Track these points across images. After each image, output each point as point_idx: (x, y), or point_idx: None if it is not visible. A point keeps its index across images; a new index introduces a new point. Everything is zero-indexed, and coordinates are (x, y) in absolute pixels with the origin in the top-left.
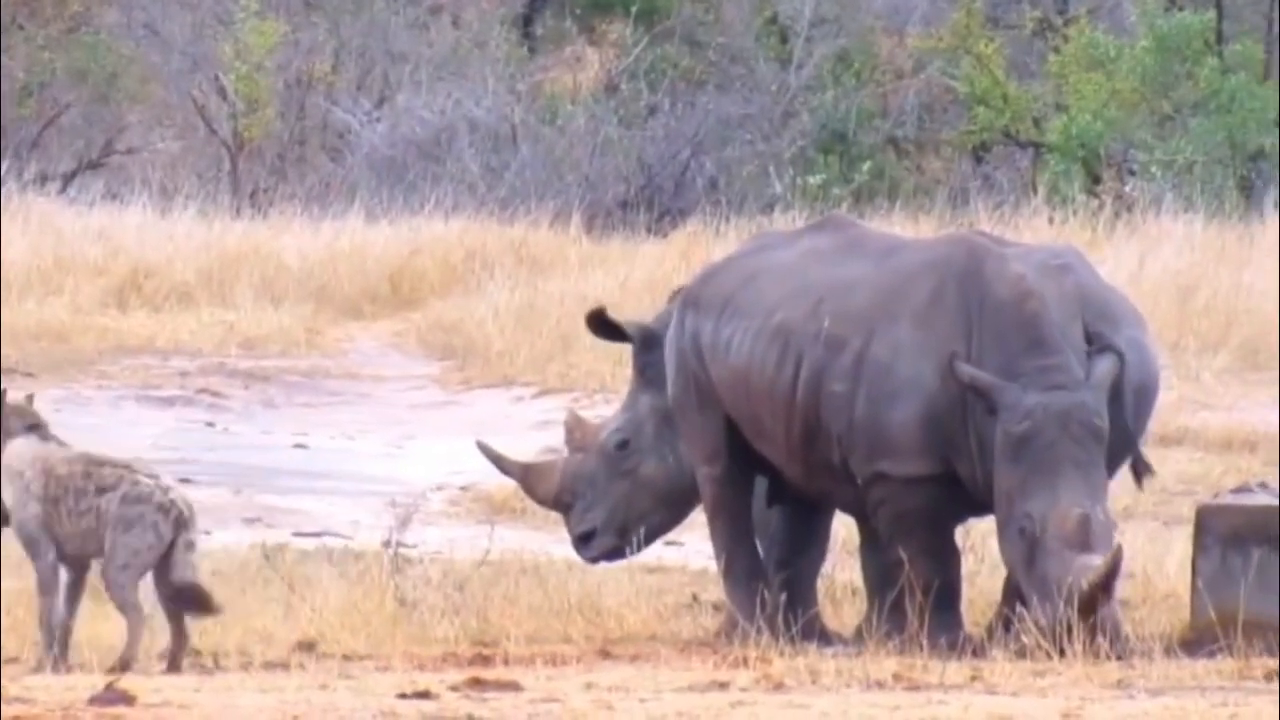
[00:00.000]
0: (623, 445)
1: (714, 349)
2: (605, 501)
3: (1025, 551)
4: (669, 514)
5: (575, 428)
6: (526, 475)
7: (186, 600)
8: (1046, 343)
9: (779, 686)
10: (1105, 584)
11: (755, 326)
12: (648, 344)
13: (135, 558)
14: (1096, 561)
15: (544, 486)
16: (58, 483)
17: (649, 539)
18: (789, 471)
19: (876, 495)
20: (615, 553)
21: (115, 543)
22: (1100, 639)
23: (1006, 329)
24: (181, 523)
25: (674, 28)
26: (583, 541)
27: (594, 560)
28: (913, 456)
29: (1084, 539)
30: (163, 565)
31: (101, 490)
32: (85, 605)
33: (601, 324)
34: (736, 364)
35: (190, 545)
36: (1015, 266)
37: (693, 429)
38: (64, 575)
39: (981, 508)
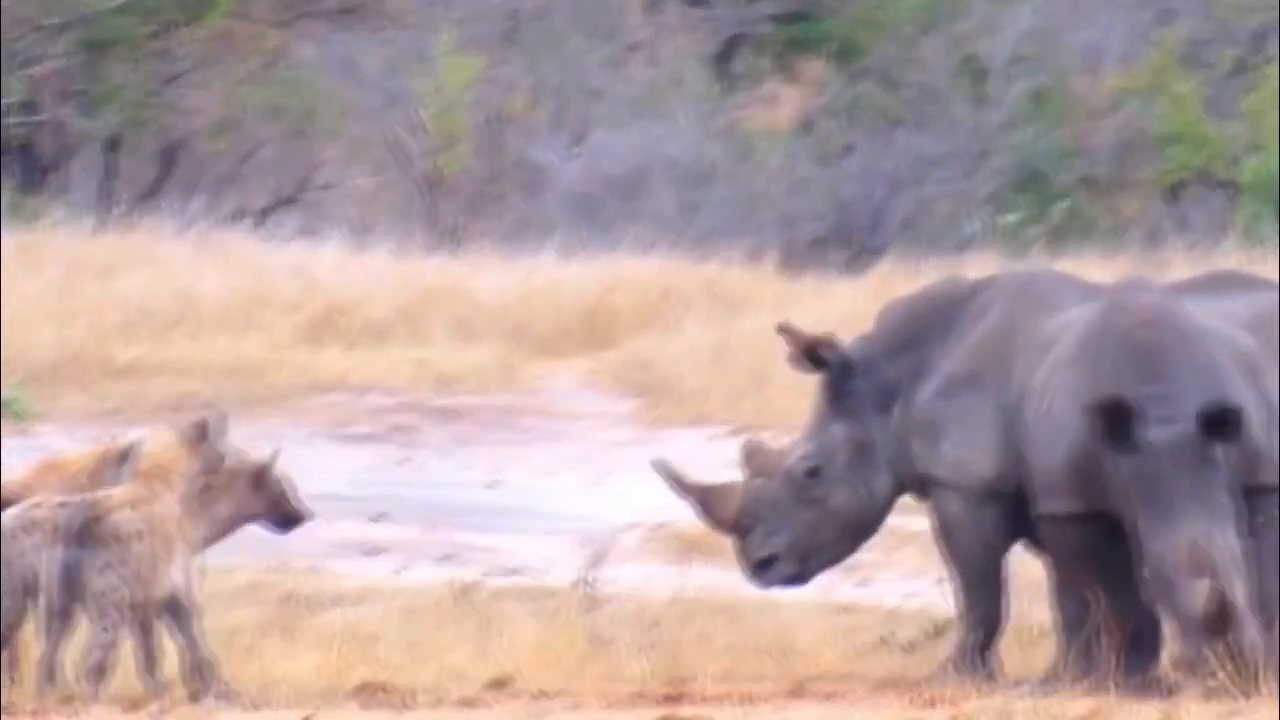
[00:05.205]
0: (813, 473)
1: None
2: (789, 528)
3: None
4: (850, 545)
5: (755, 454)
6: (705, 497)
7: None
8: None
9: None
10: (1219, 608)
11: None
12: (845, 374)
13: None
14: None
15: (723, 509)
16: None
17: (823, 567)
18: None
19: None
20: (794, 580)
21: None
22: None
23: None
24: None
25: (870, 66)
26: (762, 566)
27: (768, 586)
28: None
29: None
30: None
31: None
32: (276, 643)
33: (808, 355)
34: None
35: None
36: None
37: None
38: None
39: None
